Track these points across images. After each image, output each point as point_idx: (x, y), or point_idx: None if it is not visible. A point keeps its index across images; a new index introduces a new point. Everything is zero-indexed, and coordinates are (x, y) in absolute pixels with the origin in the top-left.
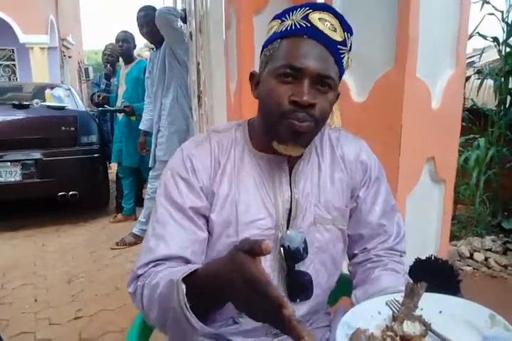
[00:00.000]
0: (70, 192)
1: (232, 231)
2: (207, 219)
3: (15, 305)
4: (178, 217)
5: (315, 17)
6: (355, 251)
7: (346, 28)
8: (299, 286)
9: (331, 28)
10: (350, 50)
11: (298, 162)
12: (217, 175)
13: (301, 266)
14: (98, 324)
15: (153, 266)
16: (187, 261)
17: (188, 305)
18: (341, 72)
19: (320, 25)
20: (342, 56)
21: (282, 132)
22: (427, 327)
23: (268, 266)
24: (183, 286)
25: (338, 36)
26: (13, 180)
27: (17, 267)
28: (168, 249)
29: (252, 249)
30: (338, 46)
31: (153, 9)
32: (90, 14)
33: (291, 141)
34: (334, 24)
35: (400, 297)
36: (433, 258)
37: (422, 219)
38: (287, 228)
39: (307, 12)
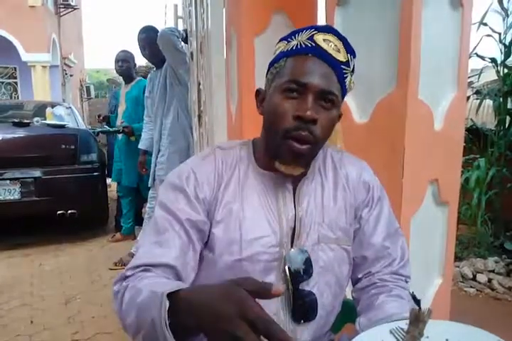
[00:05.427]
0: (69, 211)
1: (236, 249)
2: (204, 235)
3: (10, 327)
4: (176, 227)
5: (320, 38)
6: (359, 275)
7: (349, 50)
8: (304, 306)
9: (335, 49)
10: (353, 72)
11: (301, 181)
12: (221, 189)
13: (305, 286)
14: None
15: (143, 271)
16: (176, 273)
17: (167, 322)
18: (343, 92)
19: (324, 45)
20: (345, 76)
21: (283, 154)
22: None
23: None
24: (167, 303)
25: (341, 57)
26: (11, 198)
27: (14, 287)
28: (161, 256)
29: (257, 292)
30: (342, 66)
31: (155, 30)
32: (92, 33)
33: (293, 162)
34: (338, 45)
35: (404, 324)
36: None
37: (426, 242)
38: (291, 246)
39: (312, 33)
